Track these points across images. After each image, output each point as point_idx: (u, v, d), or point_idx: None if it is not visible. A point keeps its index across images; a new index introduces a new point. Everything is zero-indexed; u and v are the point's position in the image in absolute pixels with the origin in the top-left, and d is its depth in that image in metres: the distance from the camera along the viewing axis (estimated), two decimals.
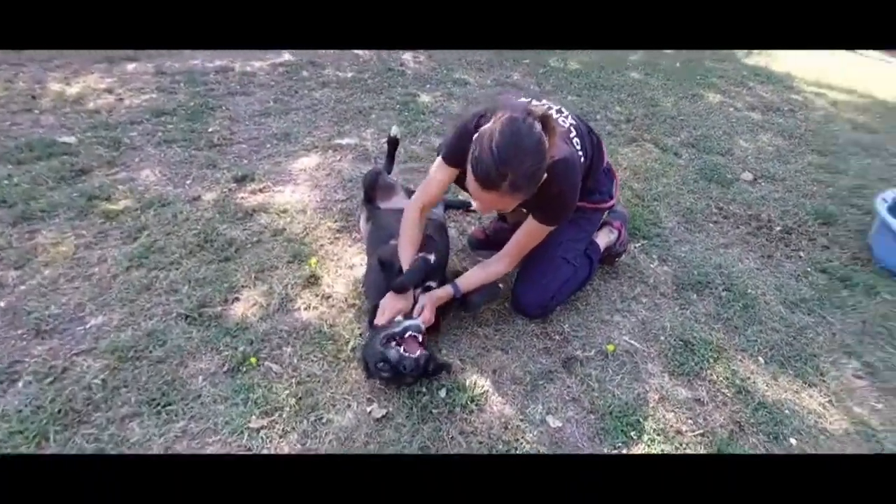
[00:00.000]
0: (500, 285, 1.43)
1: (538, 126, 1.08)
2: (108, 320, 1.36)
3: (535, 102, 1.36)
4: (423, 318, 1.25)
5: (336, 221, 1.83)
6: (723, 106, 3.23)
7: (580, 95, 3.27)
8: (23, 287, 1.45)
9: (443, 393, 1.21)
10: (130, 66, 3.21)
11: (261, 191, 1.99)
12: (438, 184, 1.42)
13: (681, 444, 1.14)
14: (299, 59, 3.54)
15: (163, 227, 1.71)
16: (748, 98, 3.39)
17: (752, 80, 3.72)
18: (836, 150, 2.70)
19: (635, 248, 1.82)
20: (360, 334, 1.36)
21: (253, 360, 1.24)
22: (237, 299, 1.45)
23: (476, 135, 1.12)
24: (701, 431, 1.18)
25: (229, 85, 3.04)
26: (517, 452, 1.10)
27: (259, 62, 3.46)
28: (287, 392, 1.18)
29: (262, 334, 1.33)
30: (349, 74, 3.38)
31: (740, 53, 4.56)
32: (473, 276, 1.37)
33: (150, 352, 1.26)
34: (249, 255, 1.62)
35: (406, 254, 1.35)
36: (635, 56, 4.18)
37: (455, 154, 1.33)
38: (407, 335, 1.16)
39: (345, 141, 2.44)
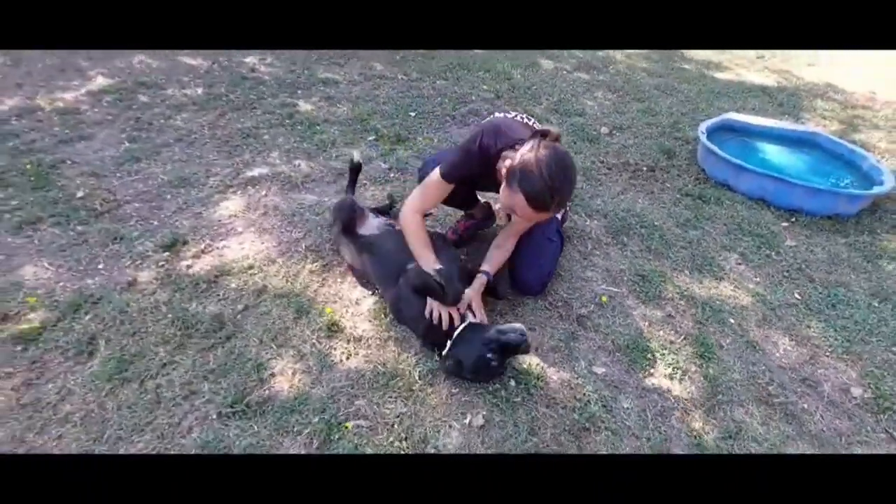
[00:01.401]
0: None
1: (562, 148, 1.29)
2: (138, 450, 1.16)
3: (519, 117, 1.55)
4: (480, 315, 1.42)
5: (313, 262, 1.76)
6: (558, 71, 3.82)
7: (447, 79, 3.49)
8: None
9: (513, 383, 1.40)
10: None
11: (204, 252, 1.77)
12: (436, 198, 1.55)
13: (678, 351, 1.55)
14: (121, 82, 2.98)
15: (119, 329, 1.44)
16: (571, 60, 4.04)
17: None
18: (648, 95, 3.49)
19: (566, 211, 2.19)
20: (419, 359, 1.43)
21: (348, 425, 1.23)
22: (272, 375, 1.36)
23: (519, 167, 1.27)
24: (683, 336, 1.61)
25: (52, 130, 2.45)
26: (590, 405, 1.36)
27: (70, 93, 2.82)
28: (392, 437, 1.22)
29: (326, 399, 1.30)
30: (199, 91, 2.99)
31: None
32: (496, 258, 1.58)
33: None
34: (250, 326, 1.49)
35: (426, 257, 1.46)
36: None
37: (457, 174, 1.46)
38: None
39: (255, 172, 2.25)
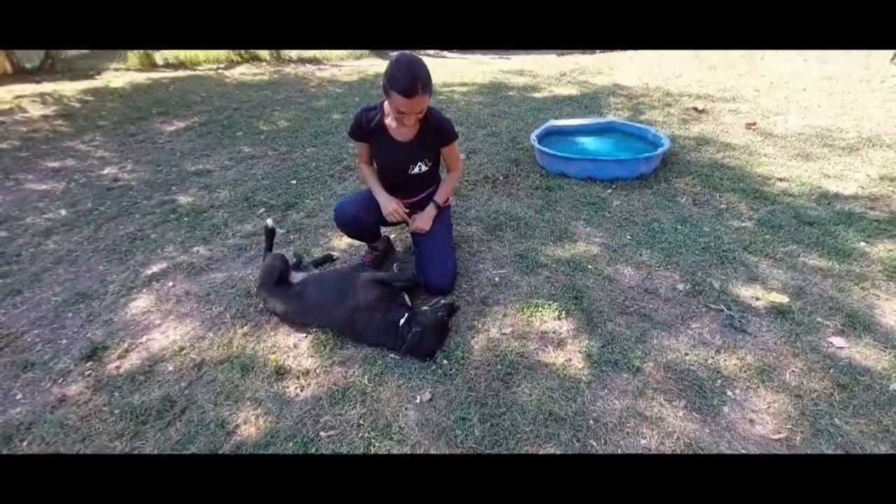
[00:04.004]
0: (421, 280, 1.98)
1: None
2: None
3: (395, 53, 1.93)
4: (426, 226, 2.03)
5: (242, 327, 1.90)
6: None
7: (315, 145, 3.81)
8: None
9: (445, 361, 1.69)
10: None
11: (129, 351, 1.81)
12: (364, 150, 2.07)
13: (559, 299, 1.99)
14: None
15: (65, 441, 1.46)
16: None
17: None
18: (487, 122, 4.18)
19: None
20: (364, 369, 1.66)
21: (322, 435, 1.41)
22: (237, 426, 1.48)
23: (384, 77, 1.73)
24: (560, 288, 2.06)
25: None
26: (507, 356, 1.70)
27: None
28: (361, 433, 1.43)
29: (294, 425, 1.46)
30: (63, 212, 2.93)
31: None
32: (445, 188, 2.12)
33: None
34: (201, 395, 1.59)
35: (378, 186, 2.04)
36: (322, 102, 4.96)
37: (355, 132, 2.00)
38: None
39: (155, 269, 2.31)
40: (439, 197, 2.10)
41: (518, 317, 1.91)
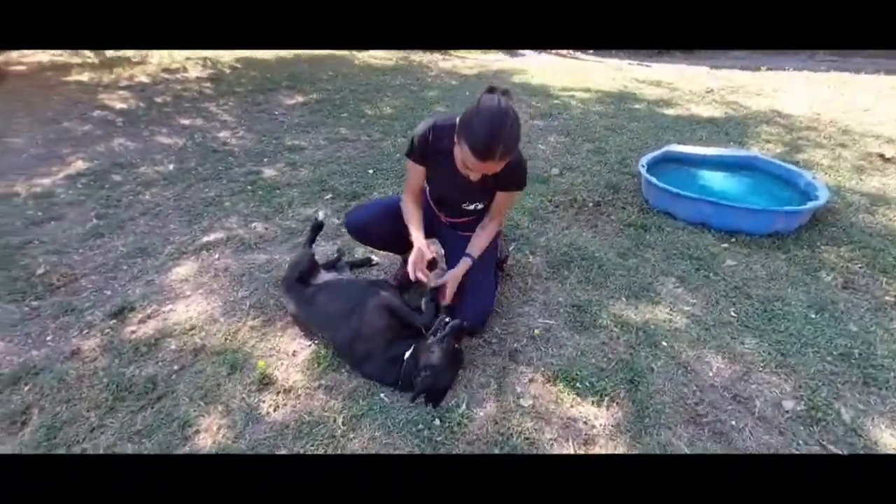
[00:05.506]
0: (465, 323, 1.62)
1: (507, 100, 1.38)
2: None
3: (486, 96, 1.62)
4: (448, 297, 1.65)
5: (255, 318, 1.82)
6: None
7: (405, 136, 3.69)
8: None
9: (437, 422, 1.41)
10: None
11: (150, 318, 1.83)
12: (416, 179, 1.69)
13: (608, 377, 1.56)
14: (100, 165, 3.19)
15: (54, 398, 1.48)
16: (528, 110, 4.28)
17: (523, 95, 4.69)
18: (598, 136, 3.66)
19: (511, 250, 2.26)
20: (344, 405, 1.45)
21: None
22: (197, 432, 1.38)
23: (463, 120, 1.37)
24: (614, 363, 1.62)
25: (24, 214, 2.60)
26: (512, 438, 1.36)
27: (47, 178, 3.01)
28: None
29: (247, 451, 1.32)
30: (171, 167, 3.18)
31: (506, 76, 5.65)
32: (479, 241, 1.71)
33: None
34: (183, 385, 1.53)
35: (416, 229, 1.64)
36: (433, 92, 4.85)
37: (417, 153, 1.62)
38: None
39: (211, 237, 2.36)
40: (474, 250, 1.71)
41: (547, 388, 1.53)
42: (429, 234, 1.81)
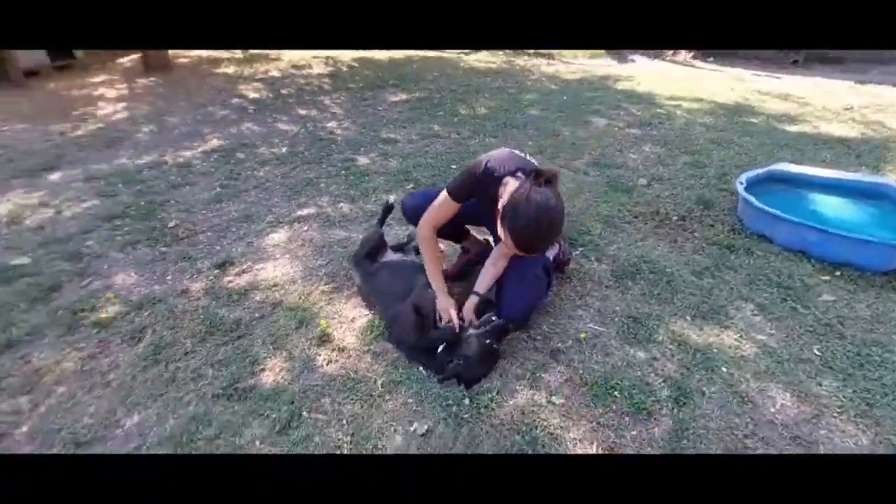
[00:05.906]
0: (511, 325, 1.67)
1: (552, 190, 1.40)
2: (146, 417, 1.45)
3: (518, 153, 1.67)
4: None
5: (326, 284, 2.04)
6: (609, 127, 3.91)
7: (496, 136, 3.77)
8: (41, 409, 1.50)
9: (467, 401, 1.47)
10: (54, 177, 3.19)
11: (244, 272, 2.14)
12: (446, 215, 1.71)
13: (652, 392, 1.50)
14: (230, 143, 3.72)
15: (164, 324, 1.82)
16: (626, 118, 4.12)
17: (625, 103, 4.51)
18: (699, 148, 3.41)
19: (576, 254, 2.23)
20: (386, 370, 1.58)
21: (307, 416, 1.42)
22: (263, 370, 1.61)
23: (509, 207, 1.41)
24: (662, 380, 1.55)
25: (168, 178, 3.14)
26: (536, 430, 1.38)
27: (189, 151, 3.59)
28: (340, 433, 1.37)
29: (298, 393, 1.51)
30: (284, 150, 3.61)
31: (610, 81, 5.45)
32: (487, 278, 1.71)
33: (201, 432, 1.39)
34: (260, 330, 1.78)
35: (433, 274, 1.69)
36: (531, 95, 4.87)
37: (461, 193, 1.65)
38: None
39: (304, 212, 2.66)
40: (481, 287, 1.71)
41: (582, 390, 1.52)
42: (456, 236, 2.02)
